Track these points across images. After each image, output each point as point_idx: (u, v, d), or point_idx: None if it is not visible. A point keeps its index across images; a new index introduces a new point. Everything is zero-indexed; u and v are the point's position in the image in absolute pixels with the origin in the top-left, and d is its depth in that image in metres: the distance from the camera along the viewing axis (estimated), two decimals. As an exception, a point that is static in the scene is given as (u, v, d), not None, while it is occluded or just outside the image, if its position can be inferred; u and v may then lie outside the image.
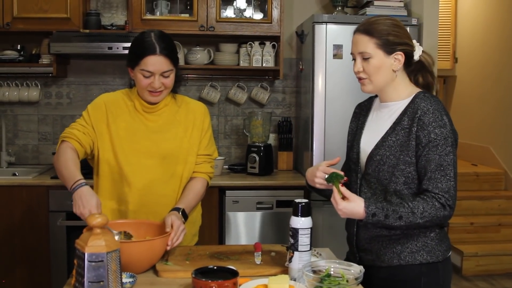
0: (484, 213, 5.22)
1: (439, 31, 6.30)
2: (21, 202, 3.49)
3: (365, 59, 1.86)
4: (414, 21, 3.59)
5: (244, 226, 3.63)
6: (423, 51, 1.92)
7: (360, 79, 1.90)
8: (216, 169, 3.79)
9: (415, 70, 1.94)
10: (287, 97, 4.29)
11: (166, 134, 2.20)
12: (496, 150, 5.64)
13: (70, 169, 1.99)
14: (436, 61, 3.76)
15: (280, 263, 1.92)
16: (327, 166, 1.88)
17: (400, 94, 1.90)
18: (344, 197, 1.76)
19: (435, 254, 1.85)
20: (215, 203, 3.61)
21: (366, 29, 1.86)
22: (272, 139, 4.16)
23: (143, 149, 2.17)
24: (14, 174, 3.84)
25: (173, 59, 2.12)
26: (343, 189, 1.77)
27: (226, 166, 4.07)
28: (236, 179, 3.73)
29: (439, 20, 6.23)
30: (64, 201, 3.43)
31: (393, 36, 1.84)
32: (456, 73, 6.50)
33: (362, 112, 2.05)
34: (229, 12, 4.00)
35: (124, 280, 1.73)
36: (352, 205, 1.75)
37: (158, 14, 3.87)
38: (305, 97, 3.85)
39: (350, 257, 2.02)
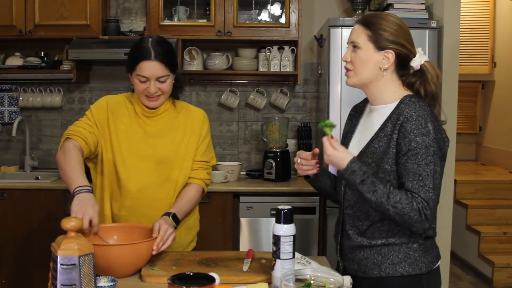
0: (519, 223, 5.01)
1: (477, 35, 6.21)
2: (40, 206, 3.56)
3: (355, 48, 1.82)
4: (433, 24, 3.46)
5: (257, 232, 3.59)
6: (428, 61, 1.82)
7: (347, 70, 1.86)
8: (232, 174, 3.78)
9: (414, 78, 1.83)
10: (307, 102, 4.23)
11: (163, 138, 2.20)
12: (534, 158, 5.40)
13: (76, 171, 1.95)
14: (457, 68, 3.63)
15: (267, 271, 1.87)
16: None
17: (386, 97, 1.83)
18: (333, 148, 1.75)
19: (418, 266, 1.76)
20: (229, 209, 3.59)
21: (365, 20, 1.82)
22: (292, 145, 4.10)
23: (139, 152, 2.17)
24: (37, 178, 3.94)
25: (170, 65, 2.10)
26: (333, 141, 1.75)
27: (244, 172, 4.04)
28: (252, 185, 3.70)
29: (477, 24, 6.16)
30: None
31: (388, 33, 1.77)
32: (495, 78, 6.26)
33: (356, 114, 1.99)
34: (247, 17, 3.98)
35: (104, 284, 1.72)
36: (341, 155, 1.73)
37: (176, 20, 3.89)
38: (323, 102, 3.77)
39: (337, 267, 1.96)
